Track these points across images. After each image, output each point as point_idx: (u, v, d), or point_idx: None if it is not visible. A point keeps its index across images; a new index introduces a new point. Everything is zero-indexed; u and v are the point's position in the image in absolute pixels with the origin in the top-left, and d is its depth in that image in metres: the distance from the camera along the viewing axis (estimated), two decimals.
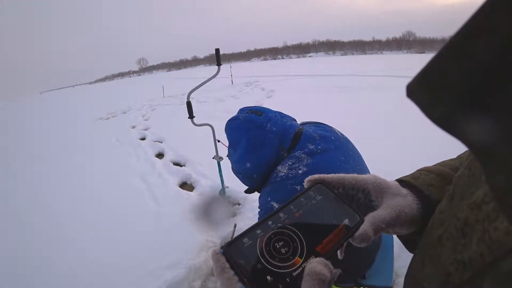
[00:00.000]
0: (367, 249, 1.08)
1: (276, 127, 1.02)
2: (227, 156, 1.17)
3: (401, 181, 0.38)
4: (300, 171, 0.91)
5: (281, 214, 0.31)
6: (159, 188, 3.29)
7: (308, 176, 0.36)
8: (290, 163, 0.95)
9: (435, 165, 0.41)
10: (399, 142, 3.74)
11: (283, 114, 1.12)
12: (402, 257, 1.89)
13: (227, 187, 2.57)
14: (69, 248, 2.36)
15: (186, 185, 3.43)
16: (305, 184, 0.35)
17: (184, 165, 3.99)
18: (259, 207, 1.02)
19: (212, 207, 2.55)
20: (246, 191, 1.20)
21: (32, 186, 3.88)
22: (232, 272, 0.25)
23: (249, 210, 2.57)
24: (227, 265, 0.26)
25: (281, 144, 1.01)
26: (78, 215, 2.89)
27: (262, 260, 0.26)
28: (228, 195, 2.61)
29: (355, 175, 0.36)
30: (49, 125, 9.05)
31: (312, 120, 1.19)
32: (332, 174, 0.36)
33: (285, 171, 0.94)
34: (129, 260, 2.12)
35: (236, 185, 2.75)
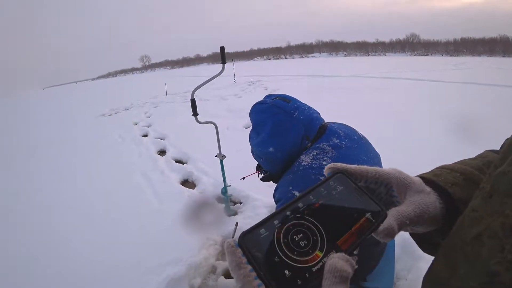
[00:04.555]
0: (373, 252, 1.07)
1: (303, 116, 1.01)
2: (248, 138, 1.15)
3: (422, 178, 0.37)
4: (324, 162, 0.91)
5: (300, 204, 0.29)
6: (161, 185, 3.30)
7: None
8: (315, 153, 0.94)
9: (455, 163, 0.39)
10: (407, 145, 3.71)
11: (309, 106, 1.11)
12: (402, 260, 1.89)
13: (229, 185, 2.57)
14: (70, 244, 2.37)
15: (188, 183, 3.44)
16: (325, 171, 0.33)
17: (186, 163, 4.00)
18: (277, 197, 0.98)
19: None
20: (263, 179, 1.21)
21: (33, 182, 3.91)
22: (249, 268, 0.24)
23: (250, 208, 2.57)
24: (244, 260, 0.24)
25: (306, 134, 1.01)
26: (79, 211, 2.91)
27: (280, 253, 0.25)
28: (230, 194, 2.61)
29: (378, 168, 0.34)
30: (51, 121, 9.08)
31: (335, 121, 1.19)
32: (355, 165, 0.34)
33: (309, 161, 0.93)
34: (130, 256, 2.13)
35: (238, 184, 2.75)
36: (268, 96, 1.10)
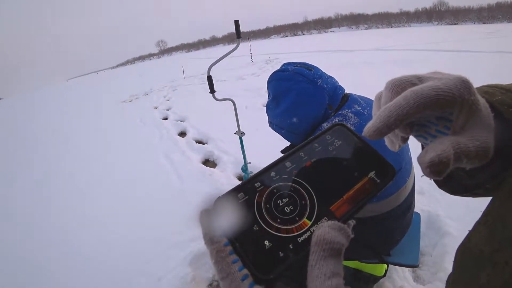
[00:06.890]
0: (398, 225, 1.02)
1: (327, 84, 0.97)
2: (266, 109, 1.10)
3: None
4: None
5: (288, 164, 0.25)
6: (183, 165, 3.35)
7: None
8: (337, 120, 0.90)
9: (510, 84, 0.29)
10: None
11: (330, 75, 1.05)
12: (427, 236, 1.83)
13: (249, 162, 2.56)
14: (97, 222, 2.49)
15: (209, 162, 3.48)
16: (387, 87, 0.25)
17: (206, 143, 4.03)
18: None
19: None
20: (284, 151, 1.18)
21: (64, 164, 4.10)
22: (223, 241, 0.20)
23: None
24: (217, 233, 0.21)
25: (330, 103, 0.96)
26: (104, 192, 3.04)
27: (260, 221, 0.22)
28: (250, 171, 2.60)
29: (437, 74, 0.25)
30: (75, 110, 9.44)
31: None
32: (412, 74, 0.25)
33: None
34: (155, 233, 2.21)
35: (258, 161, 2.74)
36: (287, 64, 1.04)
